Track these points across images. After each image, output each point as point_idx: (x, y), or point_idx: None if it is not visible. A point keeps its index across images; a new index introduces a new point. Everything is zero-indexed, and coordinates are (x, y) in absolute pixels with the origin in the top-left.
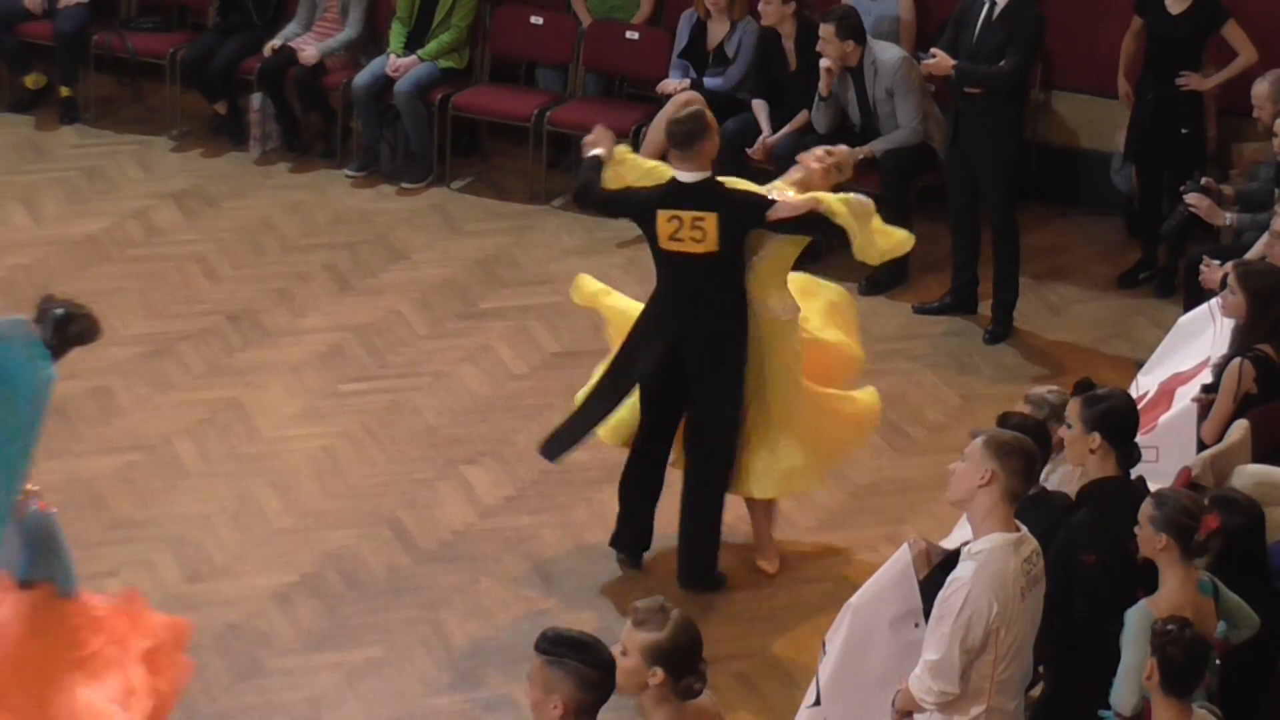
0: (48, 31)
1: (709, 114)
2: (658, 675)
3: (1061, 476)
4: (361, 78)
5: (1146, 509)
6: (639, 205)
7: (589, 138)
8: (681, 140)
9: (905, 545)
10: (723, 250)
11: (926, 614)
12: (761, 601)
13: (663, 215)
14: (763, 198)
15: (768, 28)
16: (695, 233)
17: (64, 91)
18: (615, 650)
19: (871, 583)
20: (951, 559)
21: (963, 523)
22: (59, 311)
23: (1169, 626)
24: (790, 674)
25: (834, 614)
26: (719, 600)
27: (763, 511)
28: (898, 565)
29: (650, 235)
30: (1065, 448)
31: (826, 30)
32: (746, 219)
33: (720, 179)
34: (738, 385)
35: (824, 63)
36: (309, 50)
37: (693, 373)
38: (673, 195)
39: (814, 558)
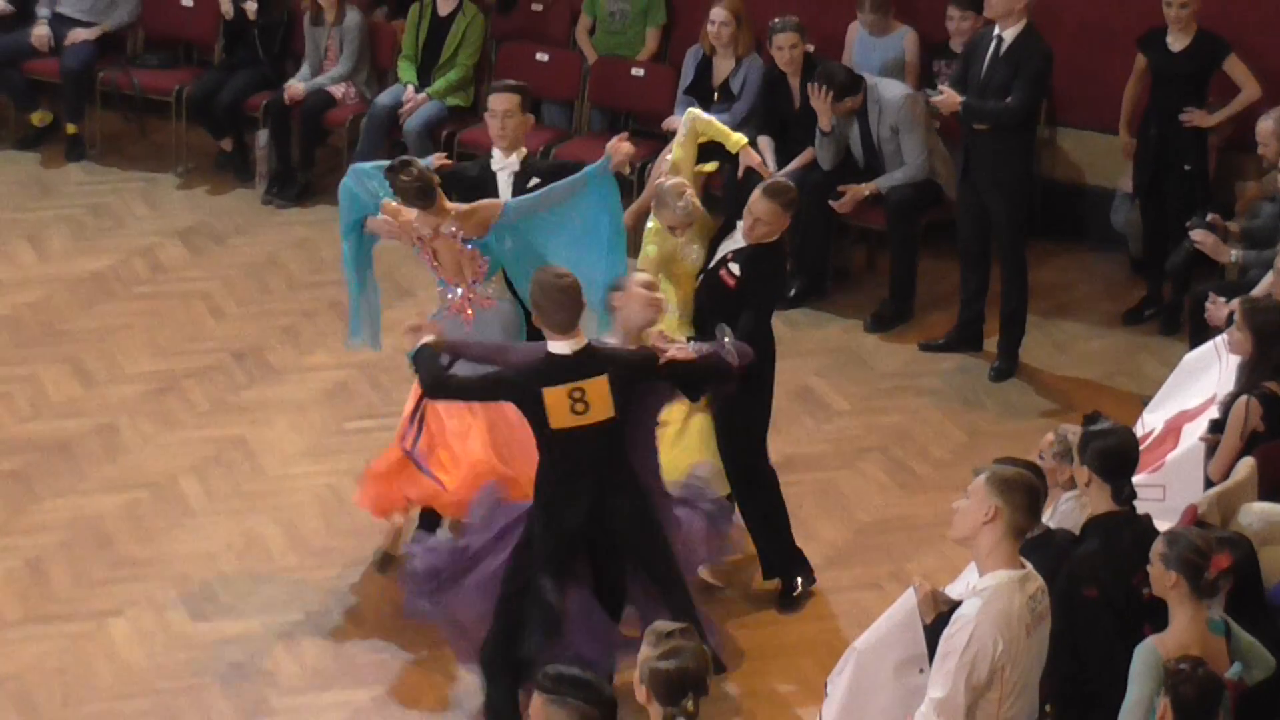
0: (54, 69)
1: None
2: (642, 692)
3: (1063, 515)
4: (383, 98)
5: (1158, 546)
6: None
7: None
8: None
9: (911, 589)
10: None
11: (931, 658)
12: (766, 639)
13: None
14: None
15: (773, 65)
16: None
17: (70, 128)
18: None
19: (877, 626)
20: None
21: (971, 568)
22: None
23: (1181, 665)
24: (794, 713)
25: (839, 653)
26: (723, 637)
27: None
28: (903, 609)
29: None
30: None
31: (821, 95)
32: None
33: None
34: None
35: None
36: (298, 87)
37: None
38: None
39: (819, 595)
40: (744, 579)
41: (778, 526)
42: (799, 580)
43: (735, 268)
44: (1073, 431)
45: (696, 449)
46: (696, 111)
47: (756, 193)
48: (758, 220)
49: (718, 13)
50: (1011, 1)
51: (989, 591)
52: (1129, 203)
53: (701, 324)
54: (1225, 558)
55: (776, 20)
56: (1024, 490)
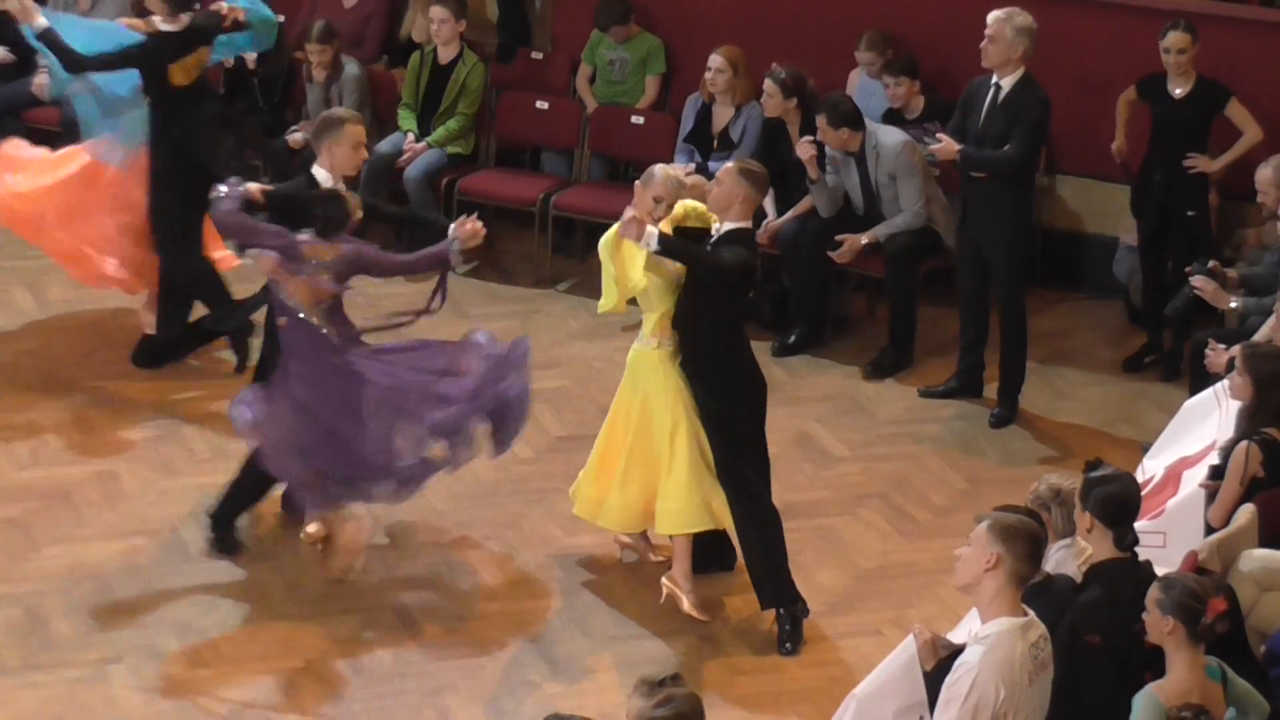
0: (54, 117)
1: None
2: None
3: (1056, 563)
4: (383, 147)
5: (1153, 593)
6: None
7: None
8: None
9: (911, 636)
10: None
11: (931, 706)
12: (766, 686)
13: None
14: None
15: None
16: None
17: None
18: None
19: (876, 673)
20: (961, 652)
21: (972, 615)
22: None
23: (1184, 713)
24: None
25: (839, 700)
26: (723, 684)
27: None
28: (903, 656)
29: None
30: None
31: (820, 121)
32: None
33: None
34: None
35: (806, 148)
36: (298, 136)
37: None
38: None
39: (819, 642)
40: (743, 627)
41: (770, 546)
42: (796, 610)
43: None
44: (1047, 482)
45: (686, 485)
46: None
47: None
48: (716, 180)
49: (715, 60)
50: (1008, 50)
51: (991, 639)
52: (1132, 254)
53: (682, 329)
54: (1221, 601)
55: (775, 67)
56: (1026, 538)
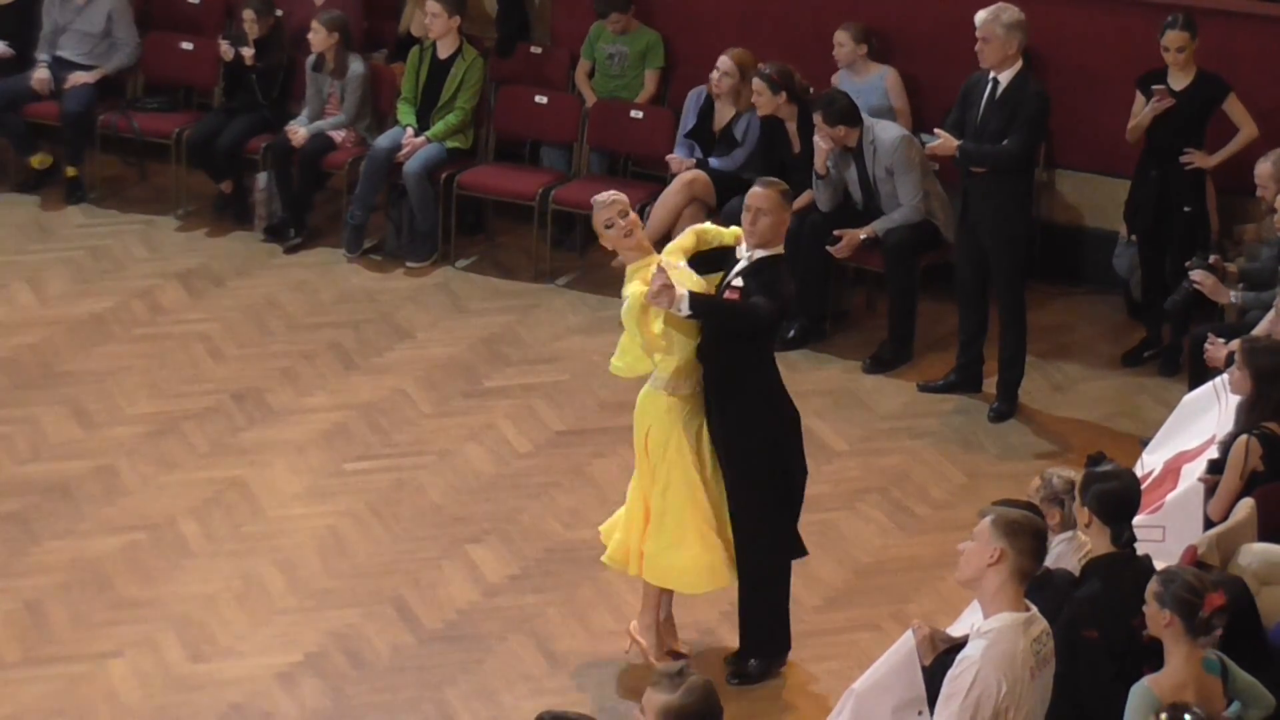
0: (54, 112)
1: None
2: None
3: (1056, 557)
4: (382, 141)
5: (1153, 586)
6: None
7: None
8: None
9: (909, 631)
10: None
11: (930, 701)
12: (765, 681)
13: None
14: None
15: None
16: None
17: (70, 171)
18: (635, 711)
19: (875, 668)
20: (959, 647)
21: (972, 608)
22: None
23: (1186, 716)
24: None
25: (838, 695)
26: (722, 679)
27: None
28: (901, 651)
29: None
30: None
31: (816, 119)
32: None
33: None
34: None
35: (817, 140)
36: (300, 132)
37: None
38: None
39: (818, 636)
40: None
41: (775, 597)
42: (770, 663)
43: (739, 281)
44: (1059, 475)
45: (674, 543)
46: (701, 226)
47: (754, 187)
48: (759, 211)
49: (724, 63)
50: (1003, 48)
51: (994, 633)
52: (1132, 249)
53: (706, 361)
54: (1219, 596)
55: (761, 65)
56: (1030, 533)
